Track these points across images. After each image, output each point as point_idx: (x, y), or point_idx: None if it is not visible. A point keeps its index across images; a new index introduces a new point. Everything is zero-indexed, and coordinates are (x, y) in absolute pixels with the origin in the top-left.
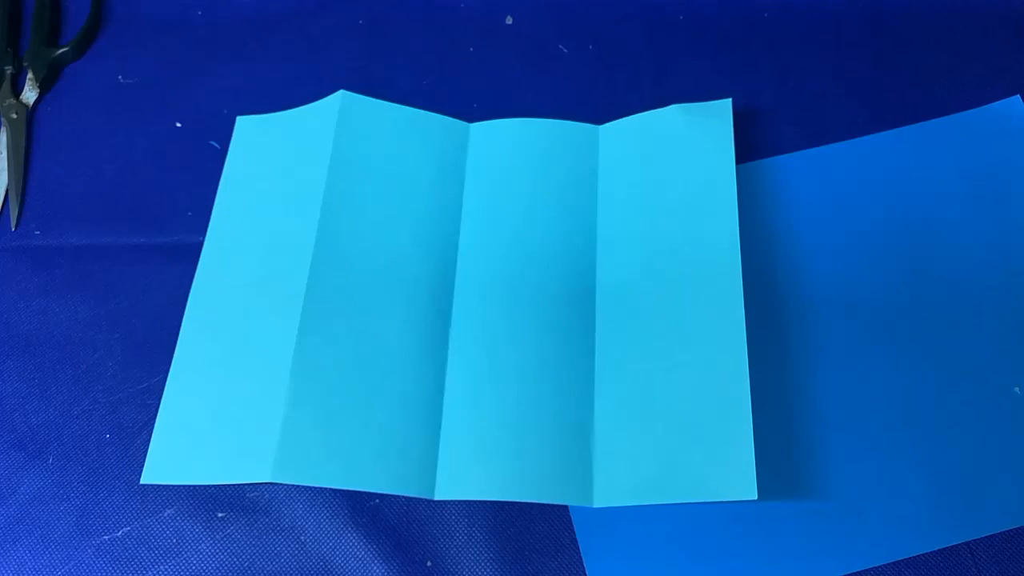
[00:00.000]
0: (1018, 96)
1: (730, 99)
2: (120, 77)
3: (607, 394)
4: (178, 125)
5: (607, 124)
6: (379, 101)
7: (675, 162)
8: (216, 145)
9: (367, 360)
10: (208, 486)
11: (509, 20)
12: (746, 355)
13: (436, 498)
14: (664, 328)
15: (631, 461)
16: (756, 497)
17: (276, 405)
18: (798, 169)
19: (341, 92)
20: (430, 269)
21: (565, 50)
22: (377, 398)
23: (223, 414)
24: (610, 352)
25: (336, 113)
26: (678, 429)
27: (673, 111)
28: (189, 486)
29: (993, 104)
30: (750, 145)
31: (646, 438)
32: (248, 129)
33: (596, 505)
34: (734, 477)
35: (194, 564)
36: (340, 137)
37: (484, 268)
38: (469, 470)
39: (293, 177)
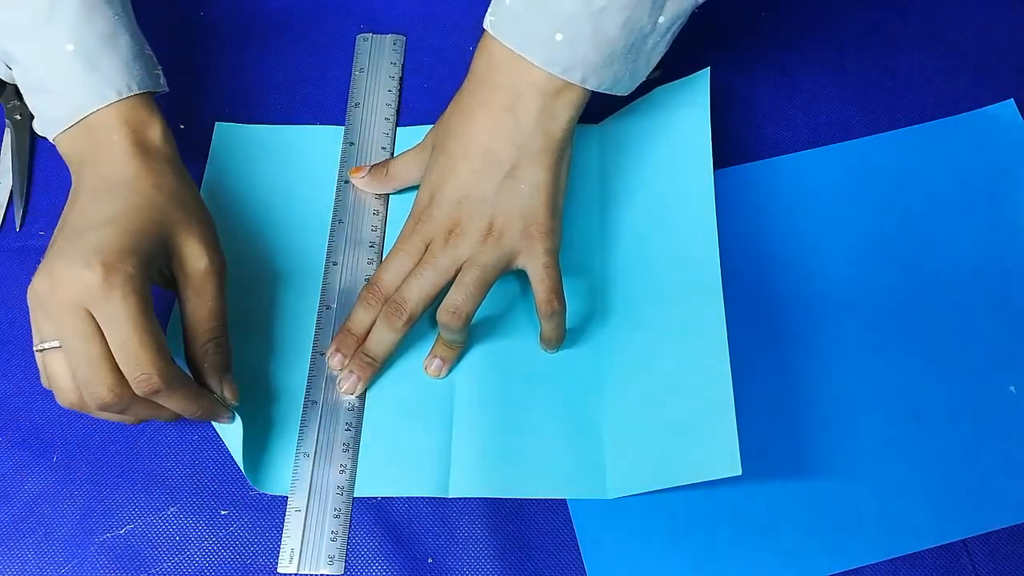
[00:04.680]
0: (1011, 100)
1: (708, 68)
2: None
3: (612, 389)
4: (182, 127)
5: (603, 123)
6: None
7: (657, 143)
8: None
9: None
10: (210, 483)
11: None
12: (725, 335)
13: (450, 495)
14: (653, 318)
15: (636, 452)
16: (740, 472)
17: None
18: (794, 170)
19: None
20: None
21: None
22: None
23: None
24: (611, 346)
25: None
26: (671, 417)
27: (655, 93)
28: (192, 483)
29: (987, 107)
30: (747, 147)
31: (646, 429)
32: (228, 136)
33: (609, 496)
34: (719, 456)
35: (197, 561)
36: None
37: None
38: (482, 468)
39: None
